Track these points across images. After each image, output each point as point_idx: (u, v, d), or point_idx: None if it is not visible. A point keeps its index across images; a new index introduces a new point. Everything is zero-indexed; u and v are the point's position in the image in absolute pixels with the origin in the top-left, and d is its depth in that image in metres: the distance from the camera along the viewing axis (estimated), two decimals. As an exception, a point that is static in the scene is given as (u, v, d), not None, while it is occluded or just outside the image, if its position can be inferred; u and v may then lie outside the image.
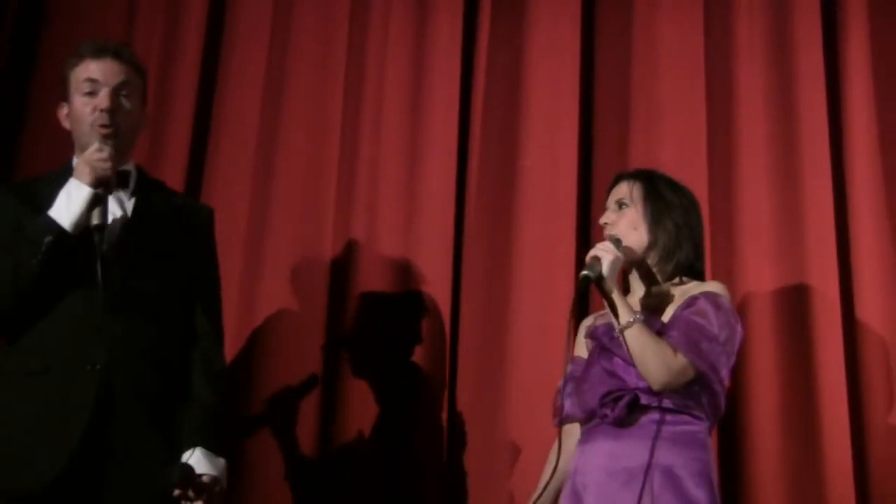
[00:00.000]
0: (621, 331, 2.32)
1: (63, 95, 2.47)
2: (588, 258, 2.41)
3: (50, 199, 2.33)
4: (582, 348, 2.56)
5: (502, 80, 3.49)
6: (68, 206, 2.29)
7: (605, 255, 2.39)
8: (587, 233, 3.30)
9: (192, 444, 2.34)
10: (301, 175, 3.44)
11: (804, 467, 3.04)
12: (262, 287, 3.32)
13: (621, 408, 2.33)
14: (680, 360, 2.29)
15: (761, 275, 3.22)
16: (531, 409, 3.03)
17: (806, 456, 3.05)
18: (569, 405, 2.49)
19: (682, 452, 2.32)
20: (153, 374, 2.35)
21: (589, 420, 2.41)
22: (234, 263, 3.27)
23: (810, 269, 3.21)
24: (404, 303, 3.30)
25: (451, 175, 3.37)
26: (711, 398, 2.39)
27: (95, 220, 2.29)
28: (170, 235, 2.48)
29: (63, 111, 2.47)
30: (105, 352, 2.29)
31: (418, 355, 3.25)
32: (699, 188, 3.15)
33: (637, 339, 2.31)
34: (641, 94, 3.43)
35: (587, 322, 2.59)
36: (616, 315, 2.33)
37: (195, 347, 2.48)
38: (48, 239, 2.24)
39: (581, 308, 2.93)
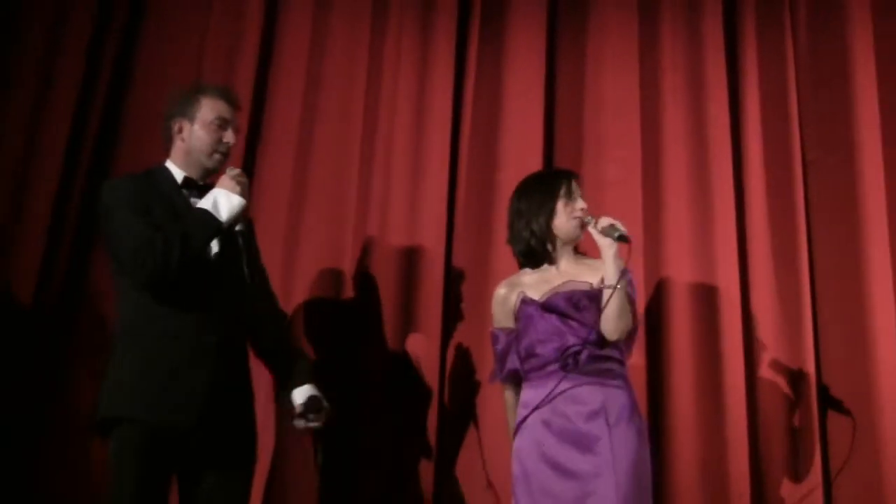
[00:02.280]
0: (614, 287, 2.69)
1: (179, 110, 2.74)
2: (619, 223, 2.77)
3: (158, 196, 2.65)
4: (509, 320, 2.89)
5: (485, 112, 3.86)
6: (229, 209, 2.61)
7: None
8: None
9: (303, 383, 2.76)
10: (329, 180, 3.75)
11: (711, 413, 3.49)
12: (296, 274, 3.63)
13: (584, 359, 2.74)
14: (633, 318, 2.77)
15: (681, 267, 3.67)
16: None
17: (713, 405, 3.50)
18: (511, 362, 2.86)
19: (621, 391, 2.75)
20: (244, 342, 2.73)
21: (540, 368, 2.79)
22: (276, 253, 3.57)
23: (717, 262, 3.66)
24: (406, 288, 3.63)
25: (443, 184, 3.74)
26: (629, 347, 2.85)
27: (239, 227, 2.68)
28: (248, 233, 2.81)
29: (179, 124, 2.74)
30: (223, 325, 2.61)
31: (415, 332, 3.58)
32: (634, 201, 3.72)
33: (620, 297, 2.71)
34: (591, 128, 3.85)
35: (503, 291, 2.92)
36: (613, 273, 2.71)
37: (270, 319, 2.86)
38: (216, 232, 2.59)
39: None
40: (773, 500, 3.46)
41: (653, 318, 3.65)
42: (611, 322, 2.73)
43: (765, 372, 3.58)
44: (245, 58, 3.84)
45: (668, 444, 3.48)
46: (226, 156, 2.78)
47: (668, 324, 3.63)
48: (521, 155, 3.75)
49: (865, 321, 3.51)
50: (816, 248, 3.70)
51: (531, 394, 2.80)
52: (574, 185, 2.94)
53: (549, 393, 2.74)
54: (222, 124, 2.75)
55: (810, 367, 3.55)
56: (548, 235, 2.91)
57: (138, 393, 2.51)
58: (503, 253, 3.49)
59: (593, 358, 2.76)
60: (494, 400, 3.32)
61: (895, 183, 3.67)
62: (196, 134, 2.74)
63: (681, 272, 3.67)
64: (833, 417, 3.51)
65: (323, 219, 3.72)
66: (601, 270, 2.80)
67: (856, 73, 3.76)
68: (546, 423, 2.74)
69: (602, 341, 2.76)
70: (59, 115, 3.63)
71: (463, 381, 3.54)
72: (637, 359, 3.52)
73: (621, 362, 2.81)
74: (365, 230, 3.71)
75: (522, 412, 2.80)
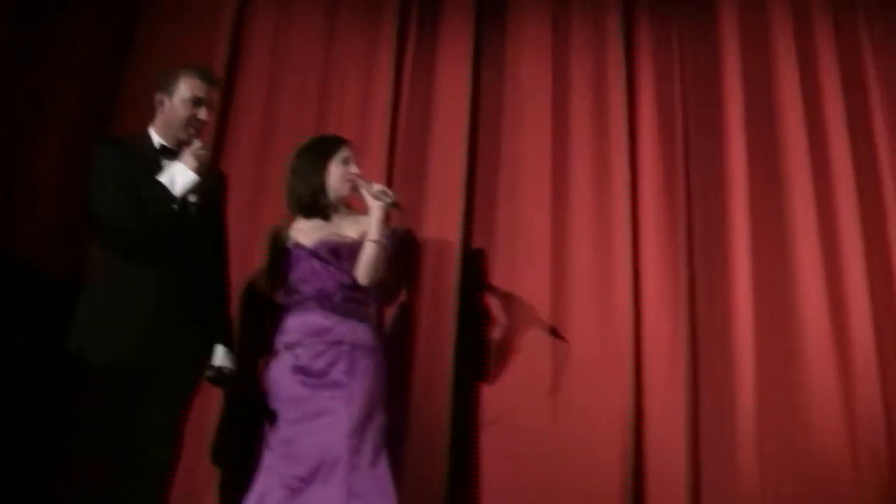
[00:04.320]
0: (374, 242, 3.20)
1: (162, 85, 3.04)
2: (390, 191, 3.27)
3: (138, 163, 2.94)
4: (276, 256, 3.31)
5: (418, 109, 4.26)
6: (184, 184, 2.92)
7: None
8: (470, 214, 4.10)
9: (218, 342, 3.10)
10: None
11: (597, 392, 3.85)
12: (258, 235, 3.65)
13: (339, 298, 3.22)
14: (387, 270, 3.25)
15: (585, 258, 4.05)
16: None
17: (602, 378, 3.86)
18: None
19: (361, 323, 3.23)
20: (192, 294, 3.00)
21: (300, 303, 3.22)
22: (242, 212, 3.80)
23: (613, 253, 4.03)
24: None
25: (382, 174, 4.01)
26: (385, 297, 3.47)
27: (193, 199, 2.96)
28: (206, 197, 3.06)
29: (160, 98, 3.04)
30: (170, 279, 2.92)
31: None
32: (544, 198, 4.11)
33: (377, 251, 3.21)
34: (509, 140, 4.25)
35: (276, 230, 3.33)
36: (376, 230, 3.19)
37: (210, 275, 3.11)
38: (170, 205, 2.90)
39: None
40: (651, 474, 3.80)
41: (558, 293, 4.05)
42: (365, 270, 3.22)
43: (649, 344, 3.98)
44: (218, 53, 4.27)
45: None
46: (198, 130, 3.06)
47: (569, 298, 4.03)
48: (447, 146, 4.19)
49: (730, 298, 3.98)
50: (694, 232, 4.13)
51: (290, 322, 3.26)
52: (348, 151, 3.41)
53: (308, 326, 3.21)
54: (197, 102, 3.04)
55: (683, 343, 3.95)
56: (321, 192, 3.35)
57: (92, 332, 2.89)
58: (433, 233, 4.03)
59: (346, 299, 3.23)
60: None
61: (756, 178, 4.12)
62: (173, 109, 3.04)
63: (583, 262, 4.08)
64: (703, 385, 3.92)
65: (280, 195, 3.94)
66: (364, 225, 3.29)
67: (725, 83, 4.26)
68: (302, 349, 3.18)
69: (355, 286, 3.24)
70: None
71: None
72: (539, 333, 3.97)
73: (367, 304, 3.31)
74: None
75: (282, 338, 3.25)
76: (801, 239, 4.02)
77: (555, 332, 3.98)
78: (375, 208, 3.25)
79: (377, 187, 3.29)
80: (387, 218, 3.29)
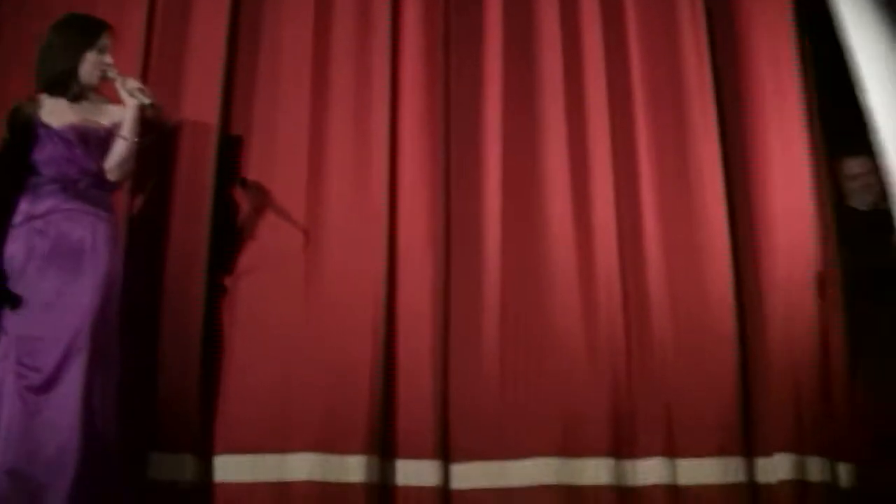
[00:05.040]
0: (126, 139, 3.30)
1: None
2: (146, 90, 3.31)
3: None
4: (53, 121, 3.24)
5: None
6: None
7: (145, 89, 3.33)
8: (228, 100, 4.04)
9: None
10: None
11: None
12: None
13: (83, 185, 3.25)
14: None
15: (343, 143, 4.04)
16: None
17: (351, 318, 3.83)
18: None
19: (108, 218, 3.29)
20: None
21: (41, 185, 3.21)
22: None
23: (371, 141, 4.04)
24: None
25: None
26: (119, 186, 3.43)
27: None
28: None
29: None
30: None
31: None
32: (304, 83, 4.06)
33: (129, 148, 3.31)
34: (270, 24, 4.21)
35: (20, 105, 3.25)
36: (129, 127, 3.29)
37: None
38: None
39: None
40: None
41: (314, 180, 4.06)
42: (116, 166, 3.33)
43: (404, 231, 4.07)
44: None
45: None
46: None
47: (326, 184, 4.05)
48: (207, 28, 4.13)
49: (481, 187, 4.13)
50: (451, 122, 4.22)
51: (29, 205, 3.22)
52: (108, 39, 3.37)
53: (49, 209, 3.20)
54: None
55: (437, 229, 4.07)
56: (72, 75, 3.30)
57: None
58: (190, 116, 3.95)
59: (90, 186, 3.27)
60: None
61: (511, 83, 4.23)
62: None
63: (340, 136, 4.12)
64: (454, 269, 4.04)
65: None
66: (113, 116, 3.35)
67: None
68: (41, 233, 3.17)
69: (100, 175, 3.30)
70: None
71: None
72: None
73: (108, 192, 3.36)
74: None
75: (18, 218, 3.19)
76: (550, 140, 4.15)
77: (310, 216, 4.01)
78: (130, 105, 3.30)
79: (132, 83, 3.31)
80: (141, 115, 3.32)
